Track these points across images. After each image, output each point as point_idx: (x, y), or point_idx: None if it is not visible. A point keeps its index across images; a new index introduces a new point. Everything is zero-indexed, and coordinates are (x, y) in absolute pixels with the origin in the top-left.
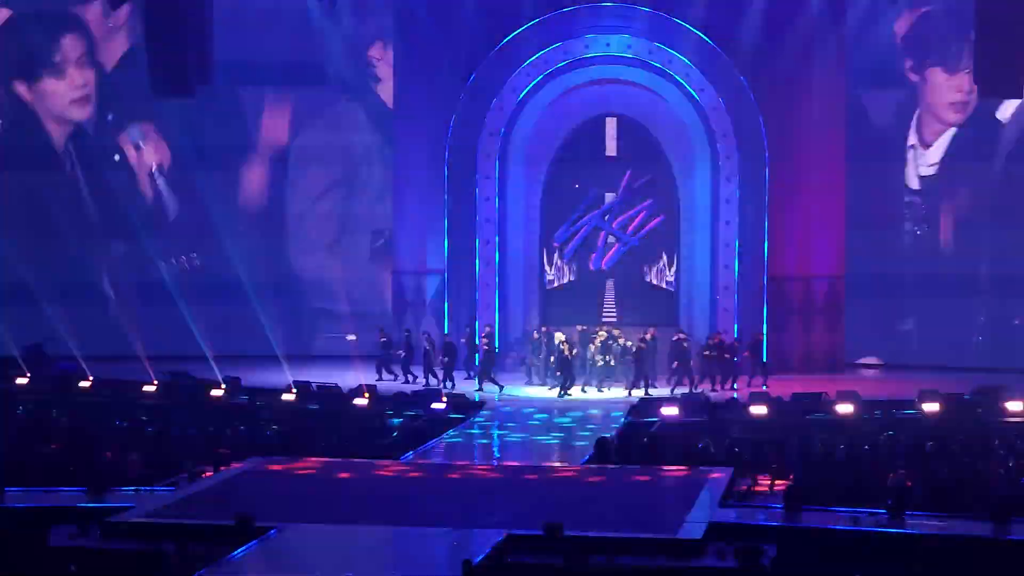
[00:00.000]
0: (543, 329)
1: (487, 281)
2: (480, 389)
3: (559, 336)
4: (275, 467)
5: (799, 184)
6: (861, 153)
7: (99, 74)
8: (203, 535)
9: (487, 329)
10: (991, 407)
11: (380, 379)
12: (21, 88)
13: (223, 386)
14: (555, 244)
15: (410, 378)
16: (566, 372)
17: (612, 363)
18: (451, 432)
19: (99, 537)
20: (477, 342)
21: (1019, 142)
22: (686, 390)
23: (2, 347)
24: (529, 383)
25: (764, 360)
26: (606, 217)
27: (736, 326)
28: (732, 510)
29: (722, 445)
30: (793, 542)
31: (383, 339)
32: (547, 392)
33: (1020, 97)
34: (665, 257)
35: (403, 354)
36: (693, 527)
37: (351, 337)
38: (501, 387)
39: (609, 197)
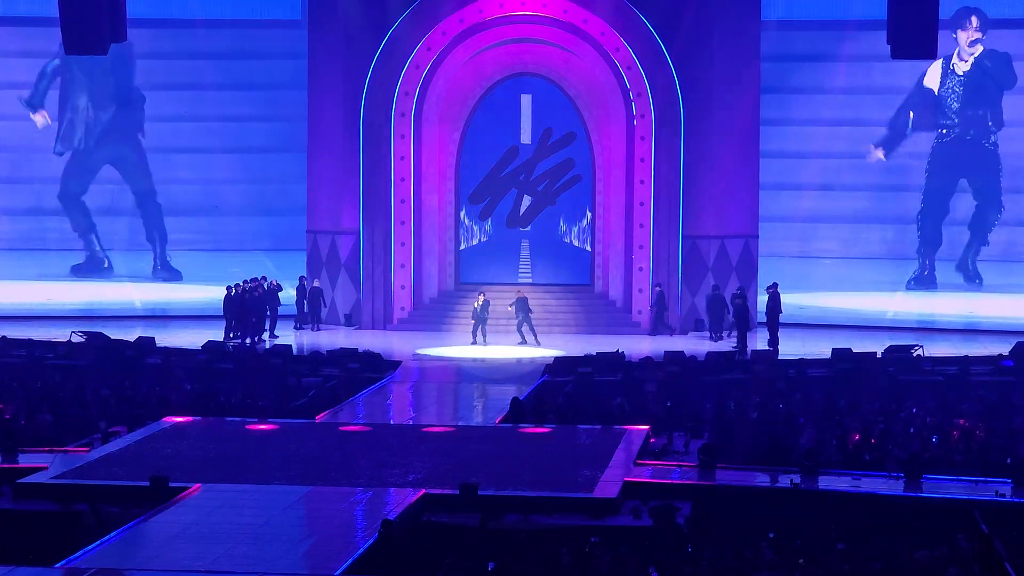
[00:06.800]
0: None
1: (402, 240)
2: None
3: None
4: (189, 427)
5: (714, 143)
6: None
7: None
8: (118, 496)
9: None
10: (903, 366)
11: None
12: None
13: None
14: (470, 203)
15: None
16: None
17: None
18: (366, 391)
19: (11, 498)
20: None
21: None
22: None
23: None
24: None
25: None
26: (521, 176)
27: (651, 284)
28: (647, 468)
29: (637, 403)
30: (708, 500)
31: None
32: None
33: (934, 57)
34: (582, 215)
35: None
36: (608, 486)
37: None
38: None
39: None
